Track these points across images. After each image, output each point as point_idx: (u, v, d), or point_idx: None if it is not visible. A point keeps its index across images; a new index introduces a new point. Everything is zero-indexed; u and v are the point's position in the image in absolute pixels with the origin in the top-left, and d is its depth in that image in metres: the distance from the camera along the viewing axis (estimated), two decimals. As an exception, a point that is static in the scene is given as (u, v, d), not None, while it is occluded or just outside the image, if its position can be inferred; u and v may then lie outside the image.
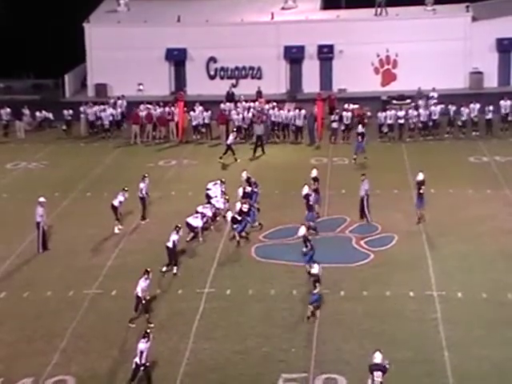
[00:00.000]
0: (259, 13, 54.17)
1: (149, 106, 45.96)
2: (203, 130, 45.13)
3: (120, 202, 31.28)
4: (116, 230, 31.37)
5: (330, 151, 42.02)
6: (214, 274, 27.57)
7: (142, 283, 24.37)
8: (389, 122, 43.88)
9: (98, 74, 52.70)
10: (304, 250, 27.60)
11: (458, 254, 28.54)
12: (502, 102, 44.48)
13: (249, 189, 32.60)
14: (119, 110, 47.33)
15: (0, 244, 30.53)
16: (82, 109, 46.80)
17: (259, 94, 48.47)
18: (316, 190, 32.00)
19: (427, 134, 43.86)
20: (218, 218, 31.83)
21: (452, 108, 43.77)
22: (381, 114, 44.20)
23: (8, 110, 47.78)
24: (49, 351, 22.88)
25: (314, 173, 33.06)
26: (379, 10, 52.45)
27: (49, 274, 28.12)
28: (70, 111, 47.12)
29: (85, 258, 29.32)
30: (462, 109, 43.69)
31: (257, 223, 31.35)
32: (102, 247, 30.25)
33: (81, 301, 25.86)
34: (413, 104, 45.72)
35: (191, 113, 45.03)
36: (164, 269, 27.41)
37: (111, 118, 46.40)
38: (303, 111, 43.82)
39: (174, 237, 27.61)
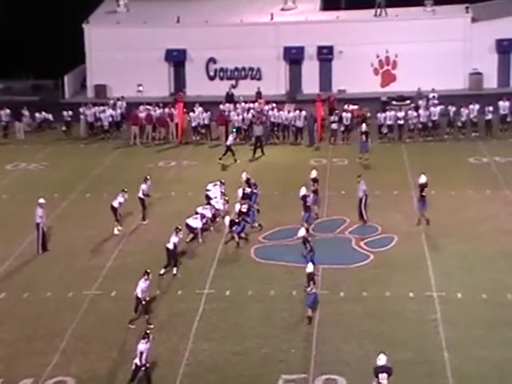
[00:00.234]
0: (259, 13, 54.14)
1: (148, 106, 45.94)
2: (203, 130, 45.11)
3: (120, 203, 31.26)
4: (115, 231, 31.35)
5: (330, 152, 42.00)
6: (214, 275, 27.55)
7: (142, 284, 24.35)
8: (388, 122, 43.86)
9: (97, 74, 52.70)
10: (304, 252, 27.58)
11: (457, 255, 28.52)
12: (500, 103, 44.41)
13: (248, 190, 32.61)
14: (119, 110, 47.32)
15: (0, 244, 30.54)
16: (81, 110, 46.82)
17: (259, 94, 48.43)
18: (315, 191, 32.01)
19: (427, 134, 43.82)
20: (217, 219, 31.81)
21: (452, 109, 43.73)
22: (380, 115, 44.16)
23: (7, 111, 47.79)
24: (48, 352, 22.87)
25: (314, 174, 33.02)
26: (379, 10, 52.42)
27: (48, 274, 28.10)
28: (70, 112, 47.08)
29: (84, 258, 29.31)
30: (462, 110, 43.65)
31: (256, 224, 31.35)
32: (101, 248, 30.23)
33: (80, 302, 25.83)
34: (412, 105, 45.71)
35: (191, 114, 45.01)
36: (162, 271, 27.33)
37: (111, 119, 46.41)
38: (304, 112, 43.82)
39: (174, 239, 27.56)
